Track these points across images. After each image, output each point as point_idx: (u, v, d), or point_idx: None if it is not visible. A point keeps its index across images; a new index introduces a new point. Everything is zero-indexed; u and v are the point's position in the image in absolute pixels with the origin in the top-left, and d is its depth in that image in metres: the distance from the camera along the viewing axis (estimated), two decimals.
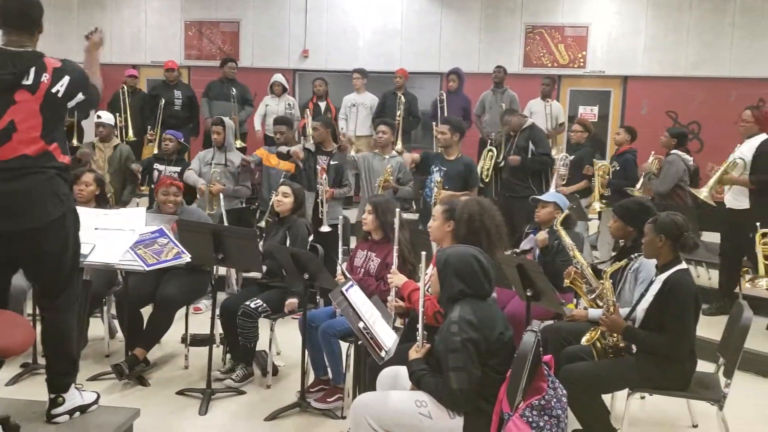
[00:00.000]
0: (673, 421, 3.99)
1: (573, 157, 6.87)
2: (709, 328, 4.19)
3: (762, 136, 5.42)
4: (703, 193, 5.48)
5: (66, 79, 2.91)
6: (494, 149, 6.70)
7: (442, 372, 2.78)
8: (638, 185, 6.32)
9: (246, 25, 10.97)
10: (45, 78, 2.86)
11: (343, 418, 3.83)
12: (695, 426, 3.93)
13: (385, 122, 6.28)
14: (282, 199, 4.63)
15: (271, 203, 5.63)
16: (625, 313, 3.57)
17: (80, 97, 2.98)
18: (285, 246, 4.27)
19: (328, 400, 3.97)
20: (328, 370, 4.08)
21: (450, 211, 3.73)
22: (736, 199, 5.41)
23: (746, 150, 5.44)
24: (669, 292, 3.30)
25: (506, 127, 6.97)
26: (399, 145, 7.82)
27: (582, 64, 10.23)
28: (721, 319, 3.54)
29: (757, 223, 4.90)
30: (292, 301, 4.32)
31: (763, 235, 4.89)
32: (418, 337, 3.05)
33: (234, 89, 8.40)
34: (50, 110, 2.88)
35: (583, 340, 3.53)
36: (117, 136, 7.12)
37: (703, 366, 3.50)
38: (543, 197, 4.66)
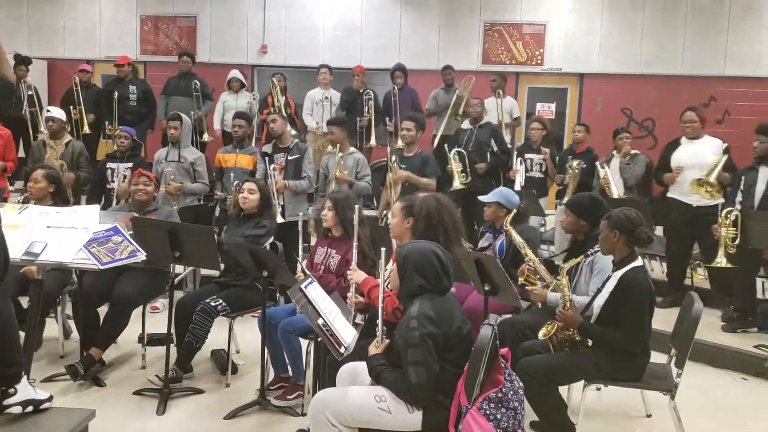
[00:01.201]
0: (628, 411, 4.08)
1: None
2: (662, 320, 4.28)
3: (715, 140, 5.65)
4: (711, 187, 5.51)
5: None
6: (461, 150, 6.72)
7: (402, 367, 2.79)
8: (615, 193, 6.31)
9: (203, 20, 10.84)
10: None
11: (304, 415, 3.82)
12: (649, 416, 4.02)
13: (333, 122, 6.27)
14: (248, 195, 4.57)
15: (229, 200, 5.61)
16: (582, 303, 3.63)
17: None
18: (243, 243, 4.22)
19: (288, 397, 3.96)
20: (288, 367, 4.07)
21: (409, 208, 3.75)
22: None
23: (708, 148, 5.60)
24: (624, 290, 3.36)
25: (467, 116, 7.06)
26: (373, 141, 7.85)
27: (539, 61, 10.36)
28: (673, 311, 3.63)
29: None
30: None
31: (726, 216, 5.05)
32: (377, 333, 3.06)
33: (196, 82, 8.30)
34: None
35: (540, 334, 3.58)
36: (69, 132, 6.93)
37: (656, 357, 3.58)
38: (485, 197, 4.65)
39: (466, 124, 7.28)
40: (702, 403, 4.20)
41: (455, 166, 6.62)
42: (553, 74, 10.38)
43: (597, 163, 6.49)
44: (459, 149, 6.72)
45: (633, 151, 6.50)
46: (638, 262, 3.49)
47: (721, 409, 4.21)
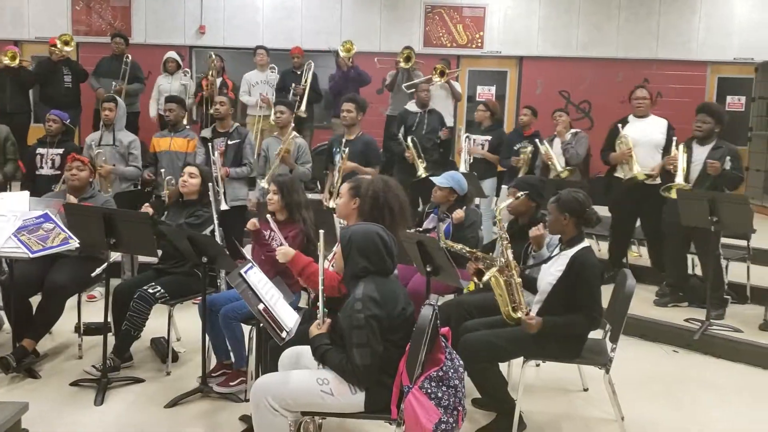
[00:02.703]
0: (566, 386, 4.20)
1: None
2: None
3: (661, 119, 5.78)
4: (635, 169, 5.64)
5: None
6: (415, 139, 6.74)
7: (346, 348, 2.80)
8: (558, 167, 6.39)
9: (138, 0, 10.50)
10: None
11: (247, 401, 3.79)
12: (586, 389, 4.16)
13: (283, 103, 6.21)
14: (188, 179, 4.47)
15: (166, 185, 5.47)
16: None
17: None
18: (181, 229, 4.14)
19: (231, 383, 3.93)
20: (231, 354, 4.03)
21: (356, 189, 3.74)
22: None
23: (656, 128, 5.71)
24: (578, 271, 3.42)
25: (420, 101, 7.10)
26: (303, 109, 7.83)
27: (480, 44, 10.45)
28: (607, 287, 3.74)
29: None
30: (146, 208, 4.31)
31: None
32: (318, 314, 3.05)
33: (128, 56, 8.06)
34: None
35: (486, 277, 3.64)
36: None
37: (592, 332, 3.68)
38: (439, 181, 4.68)
39: (411, 106, 7.30)
40: (635, 375, 4.36)
41: (414, 155, 6.66)
42: (493, 57, 10.49)
43: (536, 140, 6.56)
44: (413, 137, 6.75)
45: (573, 130, 6.60)
46: (586, 242, 3.56)
47: (653, 381, 4.37)
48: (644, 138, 5.71)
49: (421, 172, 6.56)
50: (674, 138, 5.51)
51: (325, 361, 2.89)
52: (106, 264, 3.98)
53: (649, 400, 4.08)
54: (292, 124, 6.13)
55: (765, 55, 9.94)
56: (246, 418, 3.54)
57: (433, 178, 4.80)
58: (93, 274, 4.05)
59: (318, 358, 2.93)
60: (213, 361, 4.14)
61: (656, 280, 5.79)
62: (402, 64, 7.98)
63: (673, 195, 5.16)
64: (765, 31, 10.13)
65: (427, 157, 6.74)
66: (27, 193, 3.93)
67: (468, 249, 4.08)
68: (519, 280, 3.60)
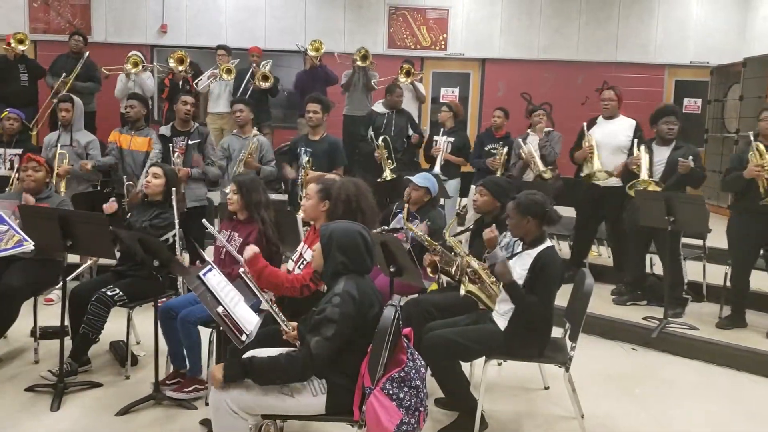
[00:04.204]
0: (527, 385, 4.25)
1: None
2: (558, 295, 4.46)
3: (630, 119, 5.82)
4: (595, 170, 5.70)
5: None
6: (387, 138, 6.74)
7: (306, 334, 2.76)
8: (540, 167, 6.39)
9: None
10: None
11: (196, 408, 3.76)
12: (547, 388, 4.21)
13: (242, 101, 6.17)
14: (152, 179, 4.39)
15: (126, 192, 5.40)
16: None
17: None
18: (133, 231, 4.06)
19: (185, 390, 3.86)
20: (186, 361, 3.98)
21: (325, 191, 3.73)
22: (613, 178, 5.70)
23: (621, 129, 5.76)
24: (541, 269, 3.46)
25: (391, 104, 7.13)
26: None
27: (443, 46, 10.51)
28: (567, 287, 3.79)
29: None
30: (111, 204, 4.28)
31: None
32: (279, 320, 3.03)
33: (81, 63, 7.90)
34: None
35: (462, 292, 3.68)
36: None
37: (552, 331, 3.73)
38: (417, 181, 4.68)
39: (379, 108, 7.31)
40: (595, 373, 4.43)
41: (382, 154, 6.64)
42: (456, 59, 10.56)
43: (518, 139, 6.55)
44: (385, 137, 6.74)
45: (546, 129, 6.64)
46: (548, 242, 3.60)
47: (612, 378, 4.45)
48: (608, 139, 5.78)
49: (387, 174, 6.54)
50: (635, 139, 5.59)
51: (253, 368, 2.76)
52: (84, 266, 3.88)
53: (609, 398, 4.15)
54: (253, 126, 6.11)
55: (720, 59, 10.19)
56: (206, 422, 3.50)
57: (410, 177, 4.78)
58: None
59: (240, 372, 2.78)
60: (169, 368, 4.07)
61: (616, 280, 5.89)
62: (358, 62, 7.99)
63: (632, 193, 5.26)
64: (720, 35, 10.40)
65: (396, 157, 6.76)
66: None
67: (429, 240, 4.10)
68: (491, 279, 3.64)
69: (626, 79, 10.11)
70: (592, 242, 6.37)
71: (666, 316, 5.05)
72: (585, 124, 5.94)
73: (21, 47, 7.79)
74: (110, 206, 4.40)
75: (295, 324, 3.09)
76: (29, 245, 3.41)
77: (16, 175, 5.07)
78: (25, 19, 10.27)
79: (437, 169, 6.72)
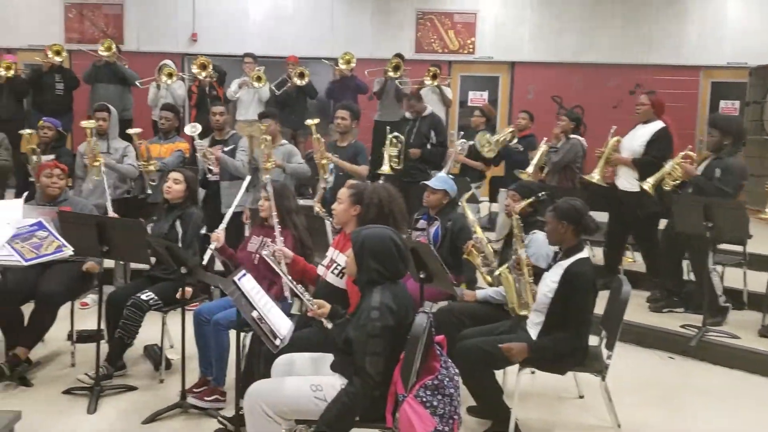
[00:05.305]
0: (561, 393, 4.19)
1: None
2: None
3: (659, 123, 5.63)
4: (594, 177, 5.68)
5: None
6: (400, 135, 6.73)
7: (353, 355, 2.75)
8: (529, 168, 6.46)
9: (130, 8, 10.49)
10: None
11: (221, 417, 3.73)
12: (581, 397, 4.14)
13: (266, 114, 6.22)
14: (172, 185, 4.45)
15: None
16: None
17: None
18: (160, 238, 4.10)
19: (206, 398, 3.84)
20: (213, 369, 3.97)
21: (357, 195, 3.73)
22: (629, 182, 5.62)
23: (643, 134, 5.62)
24: (571, 284, 3.40)
25: (411, 111, 7.08)
26: None
27: (471, 50, 10.47)
28: (603, 294, 3.73)
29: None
30: (188, 290, 4.17)
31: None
32: (304, 299, 3.11)
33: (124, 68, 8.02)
34: None
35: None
36: None
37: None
38: (433, 184, 4.65)
39: (410, 114, 7.30)
40: (631, 382, 4.33)
41: (389, 151, 6.59)
42: (484, 62, 10.51)
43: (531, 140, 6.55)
44: (398, 134, 6.74)
45: (571, 136, 6.60)
46: (584, 253, 3.55)
47: (649, 388, 4.36)
48: (627, 144, 5.70)
49: (385, 169, 6.31)
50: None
51: (328, 424, 2.71)
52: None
53: (646, 407, 4.07)
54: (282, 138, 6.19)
55: (758, 60, 9.98)
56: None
57: (425, 182, 4.76)
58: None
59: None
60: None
61: (652, 286, 5.77)
62: (390, 74, 7.96)
63: (647, 188, 5.21)
64: (757, 35, 10.19)
65: (408, 164, 6.66)
66: (21, 200, 3.92)
67: (484, 237, 4.16)
68: (530, 279, 3.61)
69: (660, 81, 9.96)
70: (623, 248, 6.27)
71: (705, 324, 4.92)
72: (614, 128, 5.84)
73: (58, 58, 7.94)
74: (215, 236, 4.10)
75: (321, 302, 3.13)
76: (68, 251, 3.46)
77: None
78: (61, 30, 10.47)
79: (443, 171, 6.63)
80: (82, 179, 5.78)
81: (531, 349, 3.43)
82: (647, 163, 5.44)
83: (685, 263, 5.62)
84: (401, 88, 8.00)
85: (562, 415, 3.98)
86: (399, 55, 8.08)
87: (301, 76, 8.09)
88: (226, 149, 5.85)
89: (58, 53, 7.94)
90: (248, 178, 4.57)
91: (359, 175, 5.70)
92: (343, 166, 5.76)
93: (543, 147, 6.56)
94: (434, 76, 7.88)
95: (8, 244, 3.56)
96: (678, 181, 5.20)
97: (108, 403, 3.89)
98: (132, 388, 4.07)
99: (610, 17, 10.29)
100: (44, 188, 4.60)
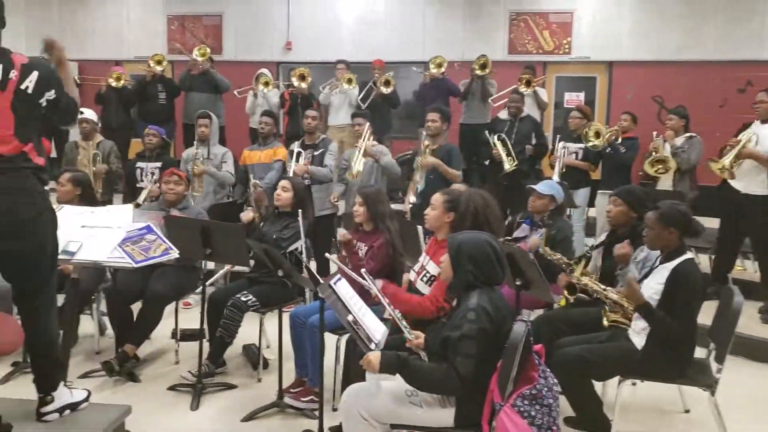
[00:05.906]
0: (664, 407, 4.01)
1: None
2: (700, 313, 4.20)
3: None
4: (725, 162, 5.22)
5: (34, 75, 2.77)
6: (505, 136, 6.71)
7: (448, 357, 2.72)
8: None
9: (228, 19, 10.90)
10: (13, 75, 2.73)
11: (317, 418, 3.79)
12: (687, 411, 3.95)
13: (359, 114, 6.31)
14: (281, 193, 4.58)
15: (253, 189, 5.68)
16: None
17: (51, 94, 2.83)
18: (259, 243, 4.20)
19: (302, 399, 3.91)
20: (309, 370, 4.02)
21: (452, 202, 3.72)
22: (756, 185, 5.22)
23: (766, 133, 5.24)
24: (679, 283, 3.28)
25: (512, 109, 7.06)
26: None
27: (567, 50, 10.21)
28: (711, 304, 3.54)
29: None
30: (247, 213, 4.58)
31: None
32: (402, 327, 3.03)
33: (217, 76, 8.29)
34: (22, 108, 2.76)
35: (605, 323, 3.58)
36: (99, 133, 6.97)
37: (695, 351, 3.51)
38: (540, 189, 4.56)
39: (503, 114, 7.23)
40: (742, 398, 4.11)
41: (501, 150, 6.64)
42: (581, 63, 10.23)
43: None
44: (501, 135, 6.69)
45: (689, 134, 6.34)
46: (688, 254, 3.41)
47: (760, 403, 4.13)
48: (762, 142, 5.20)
49: (507, 167, 6.51)
50: None
51: (409, 367, 2.74)
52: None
53: (757, 424, 3.85)
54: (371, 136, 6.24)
55: None
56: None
57: (533, 186, 4.66)
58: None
59: (396, 367, 2.77)
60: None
61: (764, 296, 5.42)
62: (477, 71, 7.89)
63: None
64: None
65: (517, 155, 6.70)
66: (131, 206, 4.13)
67: (566, 260, 3.97)
68: (628, 303, 3.51)
69: None
70: (736, 255, 5.91)
71: None
72: (744, 124, 5.50)
73: (158, 68, 8.31)
74: (246, 215, 4.63)
75: (419, 333, 3.08)
76: (174, 253, 3.61)
77: (157, 186, 5.44)
78: (164, 42, 10.99)
79: (555, 176, 6.49)
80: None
81: (643, 304, 3.29)
82: None
83: None
84: (488, 88, 7.91)
85: (665, 429, 3.81)
86: (485, 56, 8.02)
87: (387, 84, 8.12)
88: (316, 153, 6.00)
89: (159, 62, 8.33)
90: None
91: (455, 179, 5.66)
92: (440, 168, 5.72)
93: (660, 142, 6.23)
94: (528, 83, 7.76)
95: (119, 247, 3.74)
96: None
97: (209, 400, 4.04)
98: (231, 387, 4.20)
99: (713, 13, 9.77)
100: (163, 193, 4.89)
